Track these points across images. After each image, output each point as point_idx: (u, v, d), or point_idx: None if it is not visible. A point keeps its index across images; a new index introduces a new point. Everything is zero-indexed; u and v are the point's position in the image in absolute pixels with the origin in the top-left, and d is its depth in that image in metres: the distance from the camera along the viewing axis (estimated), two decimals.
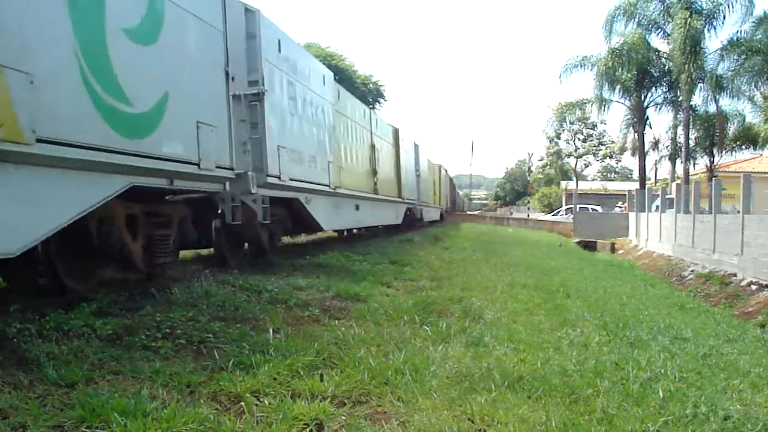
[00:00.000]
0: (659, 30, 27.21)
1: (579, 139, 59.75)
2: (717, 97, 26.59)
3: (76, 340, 3.96)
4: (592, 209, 34.46)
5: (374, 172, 15.32)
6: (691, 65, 24.46)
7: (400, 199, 18.94)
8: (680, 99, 26.85)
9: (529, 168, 68.55)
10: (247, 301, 5.78)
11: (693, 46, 24.47)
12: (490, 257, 13.64)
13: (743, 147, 28.55)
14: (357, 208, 13.59)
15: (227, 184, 7.02)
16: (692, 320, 7.94)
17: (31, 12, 3.96)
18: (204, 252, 10.03)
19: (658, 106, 29.92)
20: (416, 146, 23.26)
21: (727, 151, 28.55)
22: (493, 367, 4.11)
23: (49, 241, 4.68)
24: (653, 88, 29.44)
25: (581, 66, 29.85)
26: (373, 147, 15.46)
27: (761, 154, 33.00)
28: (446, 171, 40.80)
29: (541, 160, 65.35)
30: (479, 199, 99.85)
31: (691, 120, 27.42)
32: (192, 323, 4.72)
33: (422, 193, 24.19)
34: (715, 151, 28.61)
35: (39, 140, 3.90)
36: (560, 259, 15.70)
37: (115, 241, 5.61)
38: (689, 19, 24.37)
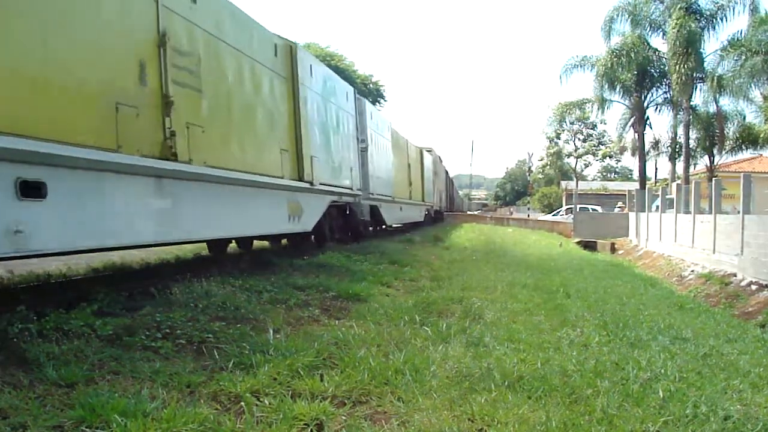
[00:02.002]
0: (659, 30, 27.24)
1: (579, 139, 59.87)
2: (717, 97, 26.61)
3: (76, 340, 3.96)
4: (592, 209, 34.46)
5: (163, 107, 5.77)
6: (682, 66, 24.48)
7: (304, 185, 9.46)
8: (680, 99, 26.84)
9: (529, 168, 68.64)
10: (247, 301, 5.78)
11: (686, 47, 24.48)
12: (490, 257, 13.65)
13: (743, 147, 28.53)
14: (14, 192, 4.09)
15: None
16: (692, 320, 7.93)
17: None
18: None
19: (659, 106, 29.99)
20: (360, 101, 14.05)
21: (727, 152, 28.55)
22: (493, 367, 4.11)
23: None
24: (653, 88, 29.48)
25: (581, 66, 29.89)
26: (158, 47, 5.76)
27: (761, 154, 33.00)
28: (440, 159, 33.69)
29: (541, 160, 65.49)
30: (479, 199, 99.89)
31: (691, 120, 27.43)
32: (192, 323, 4.72)
33: (379, 180, 15.45)
34: (715, 151, 28.61)
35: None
36: (560, 259, 15.69)
37: None
38: (682, 20, 24.37)
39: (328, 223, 11.70)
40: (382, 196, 15.77)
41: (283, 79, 9.00)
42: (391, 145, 17.99)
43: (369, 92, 36.44)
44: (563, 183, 62.43)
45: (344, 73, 31.58)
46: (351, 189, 12.39)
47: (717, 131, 27.55)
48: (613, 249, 22.95)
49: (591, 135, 59.42)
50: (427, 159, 26.61)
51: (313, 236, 11.46)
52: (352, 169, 12.61)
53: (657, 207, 20.60)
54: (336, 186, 11.21)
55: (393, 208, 17.70)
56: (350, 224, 13.62)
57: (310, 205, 9.83)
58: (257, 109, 8.05)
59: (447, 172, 41.60)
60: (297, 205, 9.21)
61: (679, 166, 28.67)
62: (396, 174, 18.47)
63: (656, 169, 37.80)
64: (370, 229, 19.57)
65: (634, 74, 28.34)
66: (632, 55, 27.11)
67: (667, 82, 28.44)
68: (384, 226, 18.92)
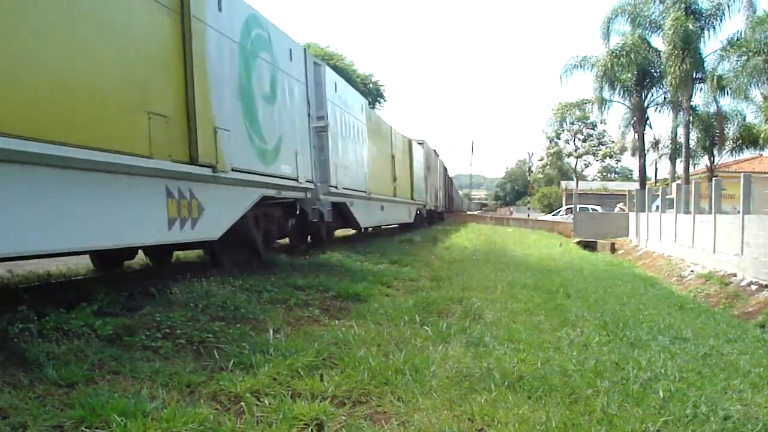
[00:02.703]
0: (659, 30, 27.22)
1: (579, 139, 59.92)
2: (717, 97, 26.61)
3: (76, 340, 3.97)
4: (592, 209, 34.45)
5: None
6: (678, 67, 24.48)
7: (202, 171, 6.16)
8: (680, 99, 26.84)
9: (529, 168, 68.68)
10: (247, 301, 5.79)
11: (684, 48, 24.47)
12: (490, 257, 13.65)
13: (743, 147, 28.53)
14: None
15: None
16: (692, 320, 7.93)
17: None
18: None
19: (659, 107, 29.99)
20: (318, 67, 10.75)
21: (727, 152, 28.55)
22: (493, 367, 4.11)
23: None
24: (653, 88, 29.49)
25: (581, 66, 29.87)
26: None
27: (761, 154, 32.97)
28: (435, 153, 30.52)
29: (541, 160, 65.55)
30: (479, 198, 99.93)
31: (691, 120, 27.43)
32: (192, 323, 4.73)
33: (347, 171, 12.33)
34: (715, 151, 28.61)
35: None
36: (560, 259, 15.70)
37: None
38: (679, 20, 24.35)
39: (262, 227, 8.87)
40: (351, 192, 12.55)
41: (165, 10, 5.85)
42: (366, 129, 14.45)
43: (369, 92, 36.49)
44: (563, 183, 62.45)
45: (344, 73, 31.73)
46: (297, 180, 9.00)
47: (717, 131, 27.53)
48: (613, 249, 22.95)
49: (591, 135, 59.52)
50: (418, 151, 23.64)
51: (245, 245, 8.74)
52: (297, 153, 9.07)
53: (657, 207, 20.60)
54: (270, 175, 8.01)
55: (370, 207, 14.56)
56: (306, 228, 10.97)
57: (217, 201, 6.65)
58: (96, 45, 4.84)
59: (446, 169, 39.09)
60: (188, 201, 5.99)
61: (679, 166, 28.68)
62: (374, 165, 15.09)
63: (656, 169, 37.72)
64: (362, 231, 16.93)
65: (635, 74, 28.34)
66: (632, 56, 27.08)
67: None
68: (364, 230, 16.10)
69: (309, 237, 11.96)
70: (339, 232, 16.12)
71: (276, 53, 8.54)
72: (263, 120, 7.96)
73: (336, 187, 11.19)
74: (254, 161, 7.63)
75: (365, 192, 13.91)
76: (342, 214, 12.42)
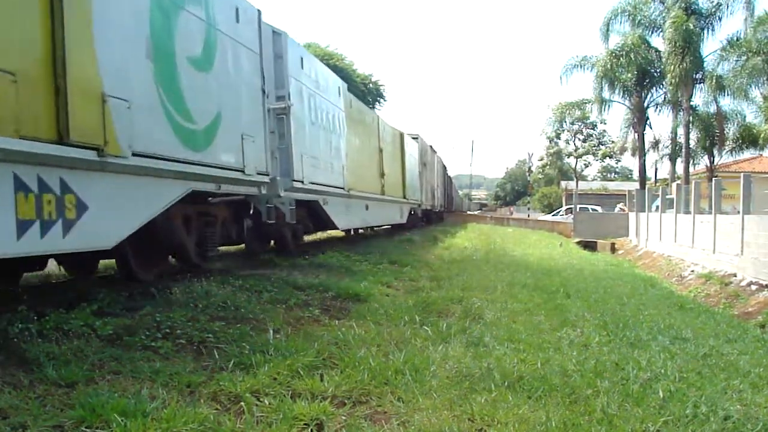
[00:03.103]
0: (659, 30, 27.23)
1: (579, 139, 59.89)
2: (717, 97, 26.63)
3: (76, 340, 3.97)
4: (592, 209, 34.44)
5: None
6: (678, 66, 24.49)
7: (82, 153, 4.42)
8: (680, 99, 26.86)
9: (529, 168, 68.63)
10: (247, 301, 5.79)
11: (684, 47, 24.48)
12: (490, 257, 13.65)
13: (743, 147, 28.54)
14: None
15: None
16: (692, 320, 7.93)
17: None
18: None
19: (659, 106, 30.01)
20: (278, 36, 9.09)
21: (727, 152, 28.56)
22: (493, 367, 4.12)
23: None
24: (653, 88, 29.50)
25: (581, 66, 29.90)
26: None
27: (761, 154, 32.97)
28: (432, 149, 28.86)
29: (541, 160, 65.50)
30: (479, 199, 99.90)
31: (691, 120, 27.44)
32: (192, 323, 4.73)
33: (317, 163, 10.41)
34: (715, 151, 28.62)
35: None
36: (560, 259, 15.70)
37: None
38: (680, 20, 24.36)
39: (196, 230, 7.30)
40: (324, 188, 10.69)
41: None
42: (345, 116, 12.57)
43: (369, 92, 36.37)
44: (563, 183, 62.43)
45: (343, 72, 31.63)
46: (243, 171, 7.24)
47: (717, 131, 27.54)
48: (613, 249, 22.95)
49: (591, 135, 59.47)
50: (411, 146, 21.48)
51: (173, 256, 7.46)
52: (244, 138, 7.31)
53: (657, 207, 20.59)
54: (202, 164, 6.26)
55: (351, 206, 12.76)
56: (266, 231, 9.46)
57: (109, 196, 4.89)
58: None
59: (445, 168, 37.12)
60: (58, 196, 4.23)
61: (679, 166, 28.68)
62: (356, 158, 13.23)
63: (656, 169, 37.70)
64: (359, 232, 15.92)
65: (635, 74, 28.34)
66: (632, 56, 27.10)
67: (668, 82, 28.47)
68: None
69: (272, 242, 10.44)
70: (337, 233, 16.05)
71: (213, 9, 6.76)
72: (190, 91, 6.10)
73: (302, 182, 9.44)
74: (174, 144, 5.80)
75: (343, 188, 11.96)
76: (315, 214, 10.80)
